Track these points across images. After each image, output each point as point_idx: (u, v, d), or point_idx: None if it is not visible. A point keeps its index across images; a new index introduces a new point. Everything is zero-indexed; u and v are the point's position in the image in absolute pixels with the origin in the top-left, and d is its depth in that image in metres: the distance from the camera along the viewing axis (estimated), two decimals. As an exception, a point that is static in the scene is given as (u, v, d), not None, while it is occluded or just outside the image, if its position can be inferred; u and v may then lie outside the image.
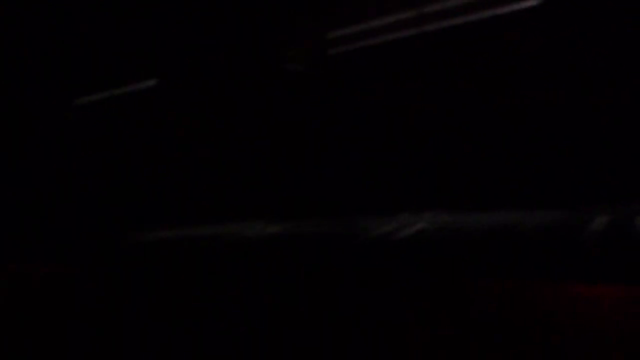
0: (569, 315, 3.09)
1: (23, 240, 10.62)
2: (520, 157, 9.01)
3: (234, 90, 12.33)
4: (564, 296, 3.48)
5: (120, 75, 13.70)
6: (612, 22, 8.27)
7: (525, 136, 9.01)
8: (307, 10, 10.99)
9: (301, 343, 3.07)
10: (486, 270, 4.44)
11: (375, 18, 10.10)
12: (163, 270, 6.09)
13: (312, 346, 3.01)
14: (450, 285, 4.09)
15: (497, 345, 2.75)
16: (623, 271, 3.99)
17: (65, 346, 3.43)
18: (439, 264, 4.87)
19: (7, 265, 7.22)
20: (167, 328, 3.63)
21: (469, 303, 3.55)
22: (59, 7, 13.07)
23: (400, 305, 3.68)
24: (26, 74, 14.53)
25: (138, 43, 13.01)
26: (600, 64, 8.39)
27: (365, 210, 9.83)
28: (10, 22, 13.41)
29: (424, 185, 9.88)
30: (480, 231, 6.30)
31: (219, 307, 4.12)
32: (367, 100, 10.64)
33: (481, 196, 9.23)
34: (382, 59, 10.34)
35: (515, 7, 8.55)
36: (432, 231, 6.73)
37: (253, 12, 11.47)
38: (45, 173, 15.16)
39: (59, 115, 14.84)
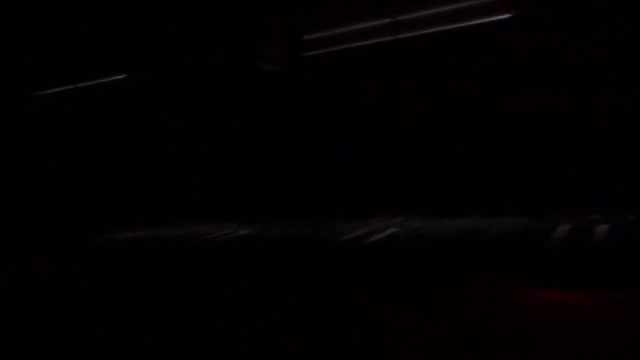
0: (530, 319, 3.19)
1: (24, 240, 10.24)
2: (488, 167, 9.24)
3: (206, 91, 12.20)
4: (527, 301, 3.59)
5: (86, 69, 13.35)
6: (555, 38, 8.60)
7: (494, 147, 9.25)
8: (284, 12, 10.98)
9: (267, 345, 3.06)
10: (453, 275, 4.54)
11: (351, 23, 10.18)
12: (133, 271, 5.97)
13: (277, 348, 3.00)
14: (418, 289, 4.15)
15: (462, 349, 2.81)
16: (584, 276, 4.15)
17: (65, 346, 3.37)
18: (409, 268, 4.94)
19: (7, 265, 6.99)
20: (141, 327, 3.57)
21: (437, 308, 3.62)
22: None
23: (369, 308, 3.72)
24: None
25: (105, 38, 12.74)
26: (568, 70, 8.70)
27: (338, 214, 9.89)
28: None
29: (396, 190, 10.02)
30: (449, 236, 6.43)
31: (192, 308, 4.06)
32: (340, 104, 10.70)
33: (451, 202, 9.42)
34: (357, 63, 10.43)
35: (487, 19, 8.78)
36: (403, 236, 6.82)
37: (231, 11, 11.38)
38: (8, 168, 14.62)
39: (19, 108, 14.36)
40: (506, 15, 8.61)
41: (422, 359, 2.73)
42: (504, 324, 3.18)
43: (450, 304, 3.68)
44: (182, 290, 4.72)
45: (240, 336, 3.29)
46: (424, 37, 9.51)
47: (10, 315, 4.30)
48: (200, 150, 12.38)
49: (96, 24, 12.54)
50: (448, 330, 3.14)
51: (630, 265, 4.45)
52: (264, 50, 11.17)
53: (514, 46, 9.00)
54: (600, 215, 7.33)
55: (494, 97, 9.24)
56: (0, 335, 3.73)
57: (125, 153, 13.41)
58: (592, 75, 8.65)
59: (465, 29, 9.16)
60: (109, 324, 3.76)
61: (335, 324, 3.41)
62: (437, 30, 9.19)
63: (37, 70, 13.93)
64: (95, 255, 7.25)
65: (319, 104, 10.95)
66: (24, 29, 13.21)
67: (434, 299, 3.84)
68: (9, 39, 13.44)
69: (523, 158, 9.03)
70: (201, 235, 8.36)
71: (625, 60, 8.43)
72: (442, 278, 4.50)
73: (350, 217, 9.28)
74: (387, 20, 9.69)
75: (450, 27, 9.05)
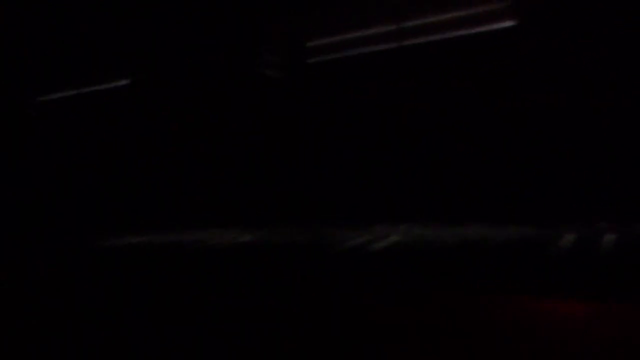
0: (534, 328, 3.27)
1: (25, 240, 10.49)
2: (491, 175, 9.32)
3: (206, 97, 12.35)
4: (529, 310, 3.68)
5: (88, 74, 13.57)
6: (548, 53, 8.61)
7: (496, 154, 9.32)
8: (287, 18, 11.08)
9: (267, 352, 3.25)
10: (457, 283, 4.64)
11: (355, 30, 10.26)
12: (135, 276, 6.15)
13: (277, 355, 3.18)
14: (421, 297, 4.27)
15: (464, 357, 2.95)
16: (589, 288, 4.21)
17: (65, 345, 3.44)
18: (412, 276, 5.05)
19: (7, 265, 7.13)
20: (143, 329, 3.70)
21: (440, 315, 3.72)
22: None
23: (372, 316, 3.82)
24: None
25: (106, 42, 12.92)
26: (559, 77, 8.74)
27: (340, 221, 10.00)
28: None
29: (398, 198, 10.11)
30: (452, 245, 6.52)
31: (191, 314, 4.19)
32: (342, 111, 10.81)
33: (453, 210, 9.50)
34: (359, 70, 10.52)
35: (493, 26, 8.83)
36: (406, 244, 6.93)
37: (233, 16, 11.50)
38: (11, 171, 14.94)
39: (22, 113, 14.62)
40: (509, 24, 8.65)
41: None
42: (506, 333, 3.26)
43: (453, 312, 3.77)
44: (184, 300, 4.85)
45: (241, 344, 3.41)
46: (426, 43, 9.57)
47: (10, 315, 4.46)
48: (201, 152, 12.52)
49: (98, 26, 12.67)
50: (450, 339, 3.24)
51: (636, 275, 4.52)
52: (266, 56, 11.28)
53: (517, 48, 9.04)
54: (605, 221, 7.36)
55: (495, 98, 9.30)
56: (0, 335, 3.84)
57: (125, 153, 13.59)
58: (592, 75, 8.69)
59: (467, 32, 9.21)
60: (109, 325, 3.91)
61: (337, 335, 3.52)
62: (439, 38, 9.25)
63: (38, 72, 14.15)
64: (94, 259, 7.44)
65: (320, 105, 11.06)
66: (24, 30, 13.37)
67: (436, 306, 3.93)
68: (9, 41, 13.64)
69: (523, 159, 9.10)
70: (204, 241, 8.52)
71: (625, 60, 8.45)
72: (446, 287, 4.60)
73: (351, 222, 9.36)
74: (391, 28, 9.76)
75: (454, 34, 9.10)
